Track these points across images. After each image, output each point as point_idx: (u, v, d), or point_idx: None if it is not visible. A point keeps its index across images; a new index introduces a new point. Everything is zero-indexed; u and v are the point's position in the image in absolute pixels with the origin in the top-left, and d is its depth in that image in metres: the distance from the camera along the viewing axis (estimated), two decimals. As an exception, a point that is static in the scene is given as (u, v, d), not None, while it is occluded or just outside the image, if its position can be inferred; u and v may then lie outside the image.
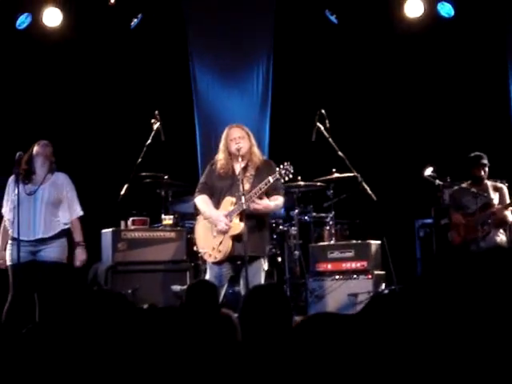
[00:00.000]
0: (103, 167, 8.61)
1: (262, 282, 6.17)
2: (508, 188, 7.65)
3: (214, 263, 6.25)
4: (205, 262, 7.25)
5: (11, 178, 6.51)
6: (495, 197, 7.44)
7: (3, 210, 6.55)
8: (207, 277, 6.30)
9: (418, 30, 8.57)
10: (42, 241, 6.38)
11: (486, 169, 7.51)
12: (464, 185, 7.54)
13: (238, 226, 6.10)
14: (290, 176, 6.21)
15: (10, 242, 6.44)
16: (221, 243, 6.19)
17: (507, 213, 7.38)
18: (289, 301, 3.34)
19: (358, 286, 7.29)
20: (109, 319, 2.63)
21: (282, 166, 6.23)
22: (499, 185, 7.57)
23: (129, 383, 2.55)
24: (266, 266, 6.30)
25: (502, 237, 7.40)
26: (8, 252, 6.43)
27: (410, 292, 1.77)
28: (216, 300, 4.70)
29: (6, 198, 6.56)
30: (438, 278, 1.72)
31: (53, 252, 6.41)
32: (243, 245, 6.06)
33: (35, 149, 6.50)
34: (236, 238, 6.11)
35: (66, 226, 6.53)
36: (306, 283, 7.49)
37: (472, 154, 7.49)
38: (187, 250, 7.34)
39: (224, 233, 6.16)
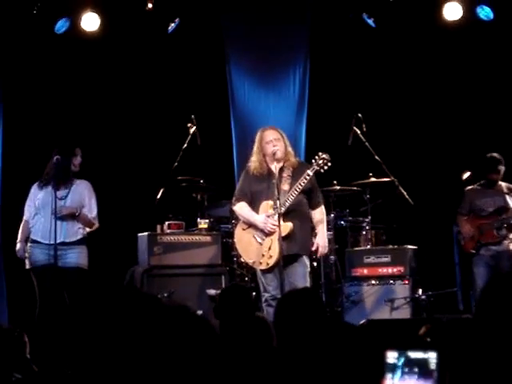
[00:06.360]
0: (140, 171, 8.65)
1: (308, 283, 6.14)
2: None
3: (266, 270, 6.18)
4: (242, 267, 7.26)
5: (35, 185, 6.57)
6: (510, 200, 7.23)
7: (26, 216, 6.57)
8: (262, 289, 6.22)
9: (457, 33, 8.47)
10: (63, 245, 6.38)
11: (502, 172, 7.29)
12: (476, 186, 7.34)
13: (286, 227, 6.07)
14: (329, 164, 6.09)
15: (29, 244, 6.48)
16: (270, 248, 6.14)
17: None
18: (324, 306, 3.31)
19: (394, 291, 7.22)
20: (141, 320, 2.62)
21: (317, 157, 6.15)
22: None
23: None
24: (308, 265, 6.25)
25: None
26: (28, 255, 6.47)
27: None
28: (250, 303, 4.68)
29: (28, 203, 6.60)
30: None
31: (74, 258, 6.43)
32: (293, 243, 6.05)
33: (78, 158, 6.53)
34: (284, 239, 6.05)
35: (86, 234, 6.56)
36: (342, 288, 7.43)
37: (489, 156, 7.27)
38: (222, 254, 7.33)
39: (271, 235, 6.11)
